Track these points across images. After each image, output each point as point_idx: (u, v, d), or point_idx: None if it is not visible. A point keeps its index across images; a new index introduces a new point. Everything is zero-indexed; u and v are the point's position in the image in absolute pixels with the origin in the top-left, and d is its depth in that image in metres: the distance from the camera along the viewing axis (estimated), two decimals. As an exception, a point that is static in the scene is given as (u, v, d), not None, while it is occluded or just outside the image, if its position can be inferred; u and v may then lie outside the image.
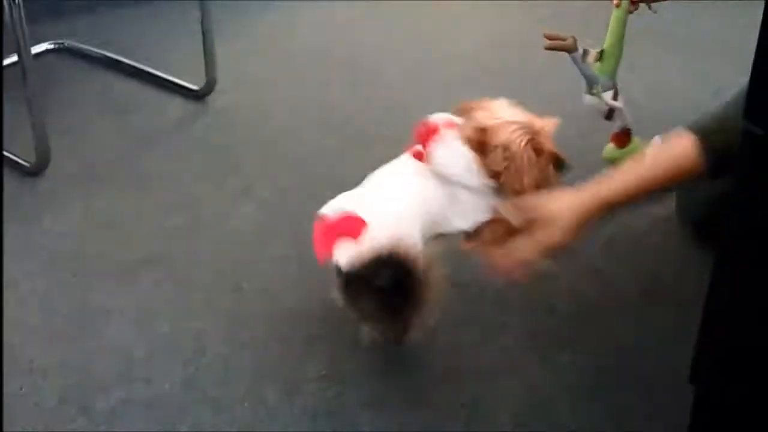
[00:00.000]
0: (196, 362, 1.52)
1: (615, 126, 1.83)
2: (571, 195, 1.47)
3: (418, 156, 1.52)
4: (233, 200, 1.93)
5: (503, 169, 1.43)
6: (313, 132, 2.17)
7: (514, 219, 1.44)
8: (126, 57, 2.45)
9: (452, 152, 1.46)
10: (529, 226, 1.44)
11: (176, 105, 2.29)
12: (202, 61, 2.29)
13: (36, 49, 2.45)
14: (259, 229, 1.84)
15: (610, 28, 1.80)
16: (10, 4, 1.84)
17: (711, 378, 1.28)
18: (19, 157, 2.02)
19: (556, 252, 1.45)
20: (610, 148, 1.84)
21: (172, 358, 1.53)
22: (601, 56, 1.77)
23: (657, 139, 1.61)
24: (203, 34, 2.26)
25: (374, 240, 1.37)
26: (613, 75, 1.78)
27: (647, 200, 1.56)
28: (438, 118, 1.53)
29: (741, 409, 1.23)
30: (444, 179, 1.47)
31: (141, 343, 1.57)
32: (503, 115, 1.47)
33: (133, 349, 1.56)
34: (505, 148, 1.42)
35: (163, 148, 2.11)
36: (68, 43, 2.53)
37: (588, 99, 1.78)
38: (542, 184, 1.45)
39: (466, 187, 1.46)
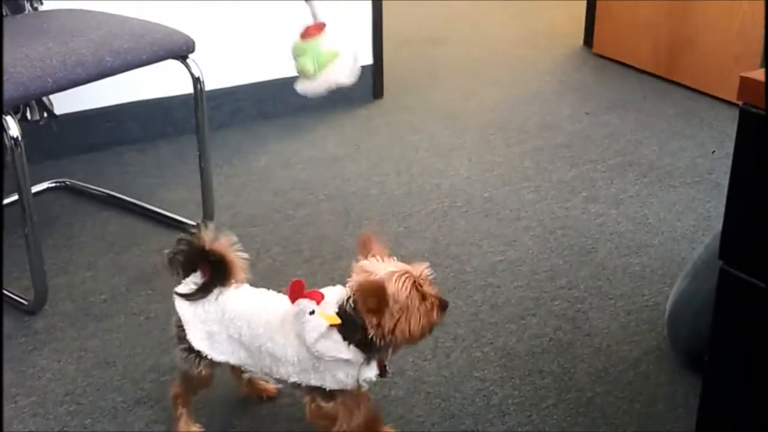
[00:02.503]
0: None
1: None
2: None
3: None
4: (227, 337, 1.95)
5: (396, 321, 1.41)
6: (305, 267, 2.21)
7: None
8: (125, 195, 2.52)
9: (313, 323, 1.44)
10: None
11: (173, 241, 2.33)
12: (200, 197, 2.35)
13: (36, 188, 2.52)
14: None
15: None
16: (11, 145, 1.90)
17: None
18: (16, 295, 2.05)
19: None
20: (296, 39, 1.68)
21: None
22: None
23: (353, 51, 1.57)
24: (201, 171, 2.33)
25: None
26: None
27: None
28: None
29: None
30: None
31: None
32: (381, 269, 1.46)
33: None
34: (395, 300, 1.42)
35: (158, 285, 2.14)
36: (68, 181, 2.60)
37: None
38: (429, 329, 1.46)
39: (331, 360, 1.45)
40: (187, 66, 2.18)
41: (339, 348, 1.43)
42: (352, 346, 1.43)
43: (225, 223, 2.40)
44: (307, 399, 1.51)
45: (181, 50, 2.16)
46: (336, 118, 3.11)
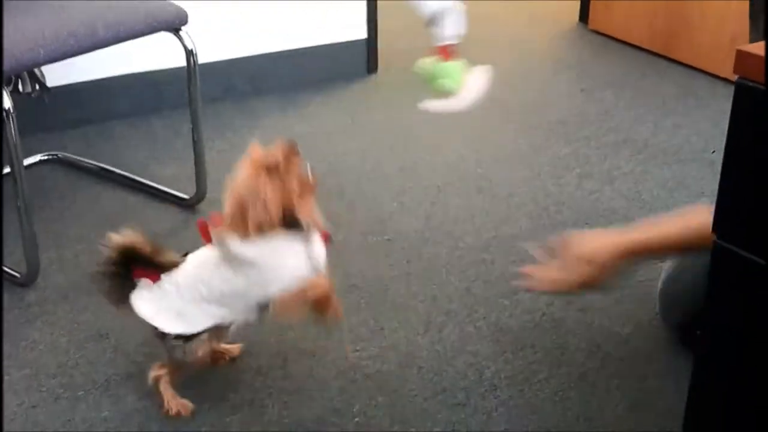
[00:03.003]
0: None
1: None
2: (608, 237, 1.56)
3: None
4: (220, 310, 1.95)
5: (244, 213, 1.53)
6: (300, 241, 2.21)
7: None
8: (117, 168, 2.51)
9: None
10: (567, 262, 1.57)
11: (167, 215, 2.33)
12: (193, 171, 2.34)
13: (29, 160, 2.51)
14: (243, 340, 1.85)
15: None
16: (3, 117, 1.89)
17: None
18: (9, 268, 2.04)
19: (590, 288, 1.58)
20: (428, 59, 1.68)
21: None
22: None
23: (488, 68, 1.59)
24: (194, 145, 2.32)
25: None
26: None
27: (669, 256, 1.69)
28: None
29: None
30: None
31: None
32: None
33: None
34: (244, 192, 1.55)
35: (151, 258, 2.13)
36: (61, 155, 2.59)
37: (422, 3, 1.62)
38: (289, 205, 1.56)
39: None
40: (180, 38, 2.16)
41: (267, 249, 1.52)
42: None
43: (218, 198, 2.39)
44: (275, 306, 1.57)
45: (174, 22, 2.14)
46: (330, 93, 3.09)
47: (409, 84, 3.01)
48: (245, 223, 1.51)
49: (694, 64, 3.28)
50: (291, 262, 1.55)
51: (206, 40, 2.35)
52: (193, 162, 2.34)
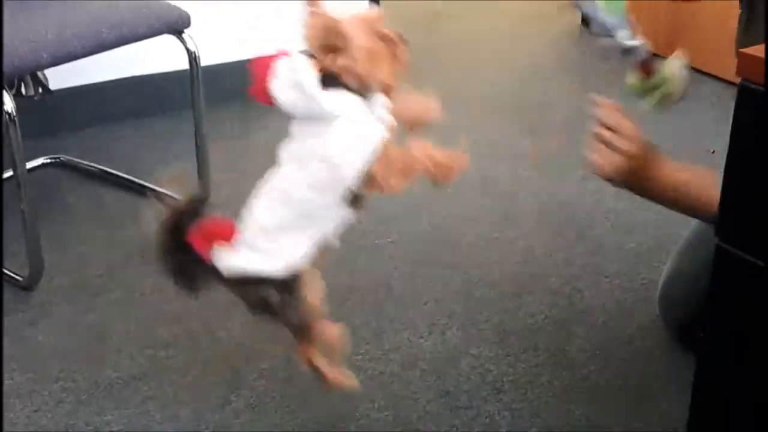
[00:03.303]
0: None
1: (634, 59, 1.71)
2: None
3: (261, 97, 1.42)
4: (222, 312, 1.95)
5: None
6: (302, 243, 2.21)
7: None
8: (121, 171, 2.51)
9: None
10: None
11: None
12: (196, 174, 2.34)
13: (31, 163, 2.51)
14: (247, 342, 1.86)
15: None
16: (6, 121, 1.89)
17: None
18: (12, 271, 2.05)
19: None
20: (633, 76, 1.72)
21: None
22: None
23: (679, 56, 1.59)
24: (197, 147, 2.32)
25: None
26: (621, 11, 1.67)
27: (677, 208, 1.73)
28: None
29: None
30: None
31: (128, 461, 1.57)
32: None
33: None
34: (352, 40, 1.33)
35: (154, 260, 2.13)
36: (64, 157, 2.59)
37: (604, 41, 1.66)
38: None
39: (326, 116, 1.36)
40: (183, 41, 2.16)
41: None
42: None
43: (221, 200, 2.39)
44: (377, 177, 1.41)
45: (177, 24, 2.14)
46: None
47: (411, 85, 3.00)
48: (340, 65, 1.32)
49: (697, 66, 3.26)
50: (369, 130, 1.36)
51: (209, 43, 2.35)
52: (196, 165, 2.34)
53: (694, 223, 1.85)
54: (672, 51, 3.49)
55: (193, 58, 2.18)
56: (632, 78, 1.69)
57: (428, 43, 3.62)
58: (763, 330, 1.13)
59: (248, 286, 1.39)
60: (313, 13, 1.35)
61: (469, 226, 2.28)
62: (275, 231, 1.39)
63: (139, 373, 1.77)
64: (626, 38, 1.63)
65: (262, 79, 1.41)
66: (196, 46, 2.17)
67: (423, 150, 1.45)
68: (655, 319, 1.91)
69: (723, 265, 1.17)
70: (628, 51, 1.65)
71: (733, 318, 1.18)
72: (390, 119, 1.40)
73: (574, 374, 1.77)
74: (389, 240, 2.22)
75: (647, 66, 1.65)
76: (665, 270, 1.85)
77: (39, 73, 2.37)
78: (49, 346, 1.85)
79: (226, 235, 1.41)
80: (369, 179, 1.39)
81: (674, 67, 1.61)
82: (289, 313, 1.40)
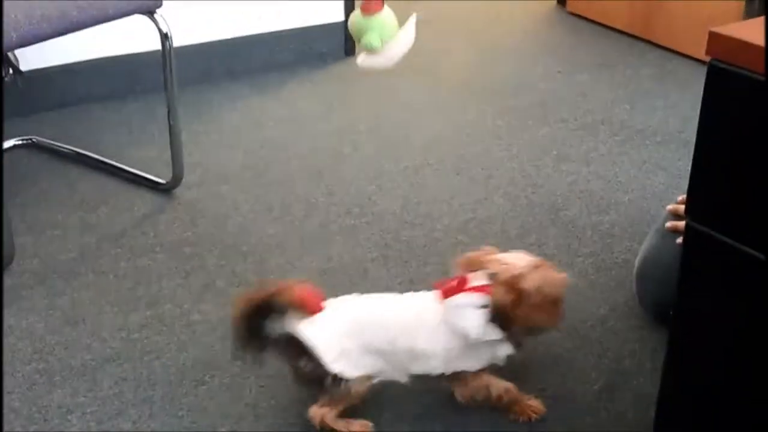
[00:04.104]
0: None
1: None
2: None
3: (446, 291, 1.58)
4: (196, 295, 1.94)
5: (535, 311, 1.53)
6: (276, 225, 2.20)
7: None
8: (93, 152, 2.49)
9: (473, 316, 1.53)
10: None
11: (143, 199, 2.32)
12: (169, 156, 2.33)
13: (3, 145, 2.48)
14: (221, 324, 1.85)
15: None
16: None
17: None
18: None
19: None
20: (358, 15, 1.60)
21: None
22: None
23: (413, 17, 1.55)
24: (170, 128, 2.30)
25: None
26: None
27: None
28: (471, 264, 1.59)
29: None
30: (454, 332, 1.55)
31: (102, 443, 1.57)
32: (519, 263, 1.56)
33: (93, 449, 1.55)
34: (539, 292, 1.52)
35: (127, 243, 2.13)
36: (36, 139, 2.57)
37: None
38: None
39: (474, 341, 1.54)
40: (155, 21, 2.14)
41: (491, 332, 1.52)
42: (497, 328, 1.53)
43: (195, 181, 2.38)
44: (453, 384, 1.60)
45: (149, 5, 2.12)
46: (307, 75, 3.08)
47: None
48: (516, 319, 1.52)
49: (671, 46, 3.28)
50: (488, 353, 1.58)
51: (182, 24, 2.33)
52: (168, 146, 2.32)
53: (670, 204, 1.86)
54: (648, 32, 3.52)
55: (165, 39, 2.16)
56: (355, 13, 1.60)
57: (401, 24, 3.60)
58: (733, 308, 1.15)
59: (308, 363, 1.54)
60: (498, 264, 1.55)
61: (444, 207, 2.28)
62: (355, 344, 1.54)
63: (113, 355, 1.76)
64: None
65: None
66: (168, 26, 2.15)
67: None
68: (629, 298, 1.92)
69: (693, 244, 1.18)
70: None
71: (703, 296, 1.19)
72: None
73: (548, 353, 1.78)
74: (364, 221, 2.22)
75: (369, 5, 1.56)
76: (641, 249, 1.86)
77: (9, 54, 2.35)
78: (21, 329, 1.83)
79: (313, 306, 1.54)
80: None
81: (391, 21, 1.56)
82: (333, 396, 1.56)
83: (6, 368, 1.73)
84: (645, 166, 2.49)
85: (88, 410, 1.63)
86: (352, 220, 2.22)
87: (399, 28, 1.58)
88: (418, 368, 1.57)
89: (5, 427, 1.59)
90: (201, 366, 1.74)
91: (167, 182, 2.35)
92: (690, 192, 1.16)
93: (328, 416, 1.56)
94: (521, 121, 2.76)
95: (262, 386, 1.69)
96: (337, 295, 1.97)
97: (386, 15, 1.58)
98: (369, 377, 1.56)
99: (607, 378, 1.72)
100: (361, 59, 1.64)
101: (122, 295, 1.94)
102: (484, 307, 1.51)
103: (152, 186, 2.36)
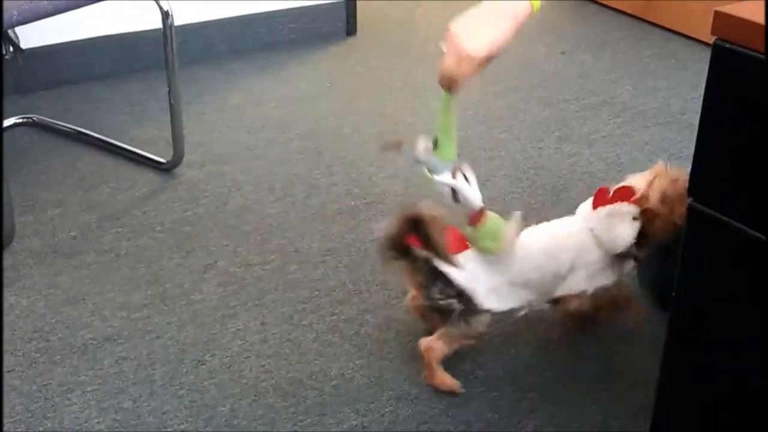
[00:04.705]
0: (158, 440, 1.52)
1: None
2: None
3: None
4: (197, 275, 1.94)
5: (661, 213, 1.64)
6: (277, 206, 2.20)
7: None
8: (94, 131, 2.48)
9: (621, 227, 1.64)
10: None
11: (143, 178, 2.31)
12: (170, 135, 2.32)
13: (5, 122, 2.48)
14: (222, 304, 1.85)
15: (441, 113, 1.75)
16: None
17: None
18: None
19: None
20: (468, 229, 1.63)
21: (133, 436, 1.53)
22: (435, 144, 1.71)
23: (517, 214, 1.62)
24: (170, 107, 2.29)
25: None
26: (450, 156, 1.69)
27: None
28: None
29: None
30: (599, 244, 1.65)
31: (104, 421, 1.57)
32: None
33: (95, 427, 1.55)
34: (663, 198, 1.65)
35: (128, 222, 2.12)
36: (36, 117, 2.56)
37: (436, 183, 1.63)
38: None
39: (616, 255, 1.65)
40: (156, 0, 2.13)
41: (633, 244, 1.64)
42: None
43: (196, 161, 2.38)
44: (575, 302, 1.67)
45: (150, -17, 2.11)
46: (309, 55, 3.07)
47: (388, 47, 2.99)
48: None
49: (673, 27, 3.27)
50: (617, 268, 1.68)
51: (183, 2, 2.32)
52: (169, 125, 2.31)
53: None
54: (651, 13, 3.49)
55: (166, 17, 2.15)
56: (467, 228, 1.63)
57: (403, 5, 3.59)
58: (735, 290, 1.14)
59: (441, 293, 1.59)
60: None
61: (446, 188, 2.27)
62: (505, 279, 1.61)
63: (113, 334, 1.77)
64: (450, 179, 1.63)
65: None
66: (169, 4, 2.14)
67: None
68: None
69: (696, 225, 1.17)
70: (455, 194, 1.61)
71: (705, 277, 1.19)
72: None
73: (544, 338, 1.78)
74: (365, 201, 2.21)
75: (474, 217, 1.60)
76: None
77: (9, 32, 2.34)
78: (22, 308, 1.84)
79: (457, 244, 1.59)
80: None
81: (497, 224, 1.60)
82: (451, 332, 1.62)
83: (6, 347, 1.73)
84: (647, 147, 2.48)
85: (89, 389, 1.64)
86: (352, 200, 2.22)
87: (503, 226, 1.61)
88: (562, 290, 1.64)
89: (5, 405, 1.60)
90: (201, 345, 1.74)
91: (168, 161, 2.34)
92: (693, 173, 1.16)
93: (437, 352, 1.61)
94: (523, 102, 2.75)
95: (263, 366, 1.69)
96: (338, 276, 1.97)
97: (492, 221, 1.61)
98: (492, 316, 1.62)
99: (606, 361, 1.73)
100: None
101: (123, 274, 1.94)
102: (635, 219, 1.61)
103: (153, 165, 2.36)
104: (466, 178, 1.59)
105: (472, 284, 1.57)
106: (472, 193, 1.58)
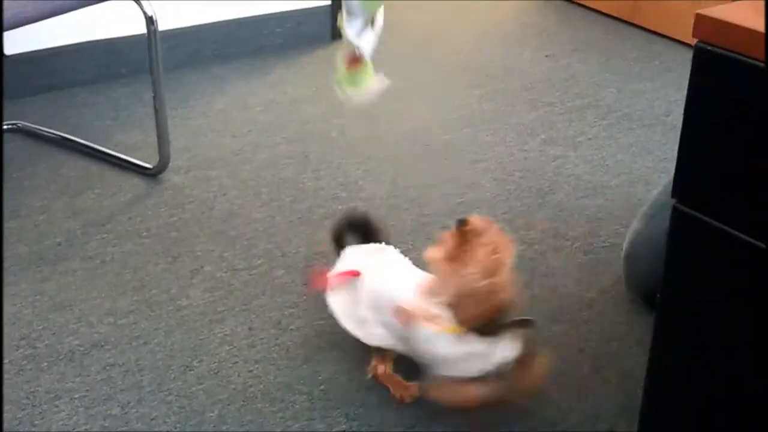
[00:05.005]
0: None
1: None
2: None
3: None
4: (184, 280, 1.94)
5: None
6: (264, 210, 2.20)
7: None
8: (79, 137, 2.47)
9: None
10: None
11: (129, 184, 2.31)
12: (156, 140, 2.32)
13: (3, 124, 2.47)
14: (209, 309, 1.85)
15: None
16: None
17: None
18: (-31, 240, 2.02)
19: None
20: (342, 70, 1.77)
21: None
22: None
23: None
24: (156, 112, 2.29)
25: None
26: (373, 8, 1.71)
27: None
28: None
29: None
30: None
31: (92, 428, 1.56)
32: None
33: (82, 434, 1.55)
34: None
35: (114, 228, 2.12)
36: (21, 123, 2.55)
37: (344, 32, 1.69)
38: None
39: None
40: (140, 5, 2.13)
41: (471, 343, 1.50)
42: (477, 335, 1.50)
43: (182, 166, 2.38)
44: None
45: (134, -12, 2.11)
46: (295, 59, 3.07)
47: (373, 51, 2.97)
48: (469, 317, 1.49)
49: (657, 29, 3.29)
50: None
51: (168, 7, 2.32)
52: (154, 130, 2.31)
53: (659, 187, 1.87)
54: (635, 16, 3.51)
55: (150, 23, 2.15)
56: (341, 68, 1.75)
57: (390, 6, 3.59)
58: (719, 290, 1.15)
59: None
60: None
61: (431, 190, 2.28)
62: (377, 321, 1.63)
63: (101, 341, 1.76)
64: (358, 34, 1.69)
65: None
66: (153, 9, 2.14)
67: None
68: (616, 281, 1.93)
69: (680, 227, 1.18)
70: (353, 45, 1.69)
71: (689, 278, 1.19)
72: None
73: (536, 336, 1.78)
74: (352, 206, 2.21)
75: (354, 60, 1.71)
76: (629, 232, 1.86)
77: (-7, 38, 2.33)
78: (8, 315, 1.83)
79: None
80: None
81: (366, 74, 1.73)
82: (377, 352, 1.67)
83: (-7, 354, 1.73)
84: (632, 149, 2.50)
85: (77, 395, 1.63)
86: (339, 204, 2.22)
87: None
88: (425, 359, 1.57)
89: (-7, 413, 1.59)
90: (189, 351, 1.74)
91: (154, 167, 2.34)
92: (677, 175, 1.16)
93: (381, 370, 1.64)
94: (509, 105, 2.76)
95: (251, 371, 1.69)
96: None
97: (363, 70, 1.73)
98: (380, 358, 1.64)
99: (594, 360, 1.73)
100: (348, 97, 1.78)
101: (109, 280, 1.94)
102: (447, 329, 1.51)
103: (139, 171, 2.35)
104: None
105: (335, 306, 1.67)
106: (367, 50, 1.68)
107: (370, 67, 1.74)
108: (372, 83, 1.74)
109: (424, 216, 2.17)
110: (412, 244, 2.06)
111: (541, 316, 1.83)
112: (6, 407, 1.60)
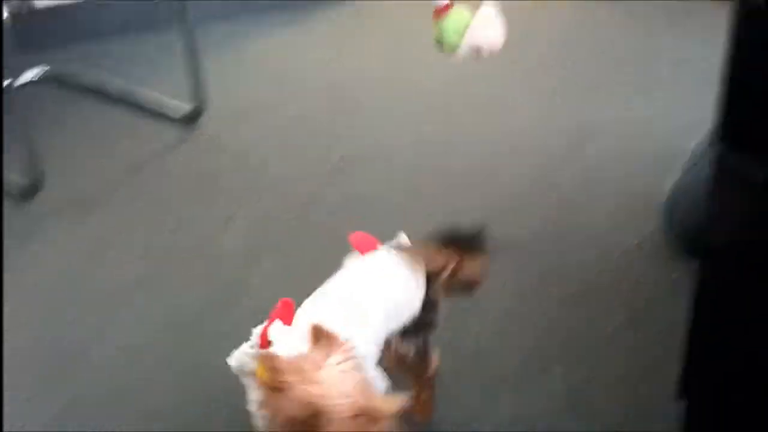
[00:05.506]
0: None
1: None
2: None
3: None
4: (220, 223, 1.95)
5: None
6: (297, 157, 2.19)
7: None
8: (114, 84, 2.48)
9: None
10: None
11: (165, 130, 2.31)
12: (189, 89, 2.31)
13: (24, 77, 2.47)
14: (245, 251, 1.86)
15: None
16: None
17: (700, 389, 1.30)
18: (9, 183, 2.03)
19: None
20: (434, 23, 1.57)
21: (164, 383, 1.55)
22: None
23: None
24: (189, 63, 2.28)
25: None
26: None
27: None
28: None
29: (731, 415, 1.25)
30: None
31: (132, 368, 1.58)
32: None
33: (123, 374, 1.57)
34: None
35: (151, 173, 2.13)
36: (57, 71, 2.55)
37: None
38: None
39: None
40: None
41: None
42: None
43: (215, 115, 2.37)
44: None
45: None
46: (325, 11, 3.02)
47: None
48: None
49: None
50: None
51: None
52: (187, 79, 2.30)
53: (702, 136, 1.83)
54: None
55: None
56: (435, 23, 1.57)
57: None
58: (762, 238, 1.13)
59: None
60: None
61: (460, 139, 2.27)
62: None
63: (139, 281, 1.78)
64: None
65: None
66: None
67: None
68: (654, 230, 1.90)
69: (722, 174, 1.15)
70: None
71: (733, 227, 1.17)
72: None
73: (572, 286, 1.77)
74: (383, 154, 2.20)
75: (438, 12, 1.54)
76: (671, 181, 1.83)
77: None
78: (46, 257, 1.85)
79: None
80: None
81: (453, 20, 1.52)
82: None
83: (33, 295, 1.74)
84: (672, 100, 2.45)
85: (116, 335, 1.65)
86: (367, 154, 2.20)
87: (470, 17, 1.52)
88: None
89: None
90: (226, 290, 1.75)
91: (188, 113, 2.34)
92: (719, 122, 1.14)
93: None
94: (541, 59, 2.71)
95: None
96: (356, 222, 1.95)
97: (456, 14, 1.52)
98: None
99: (631, 310, 1.72)
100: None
101: (145, 223, 1.96)
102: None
103: (172, 119, 2.35)
104: None
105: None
106: None
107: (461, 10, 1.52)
108: (469, 28, 1.52)
109: (451, 168, 2.15)
110: (434, 192, 2.03)
111: (578, 264, 1.82)
112: (46, 345, 1.62)
